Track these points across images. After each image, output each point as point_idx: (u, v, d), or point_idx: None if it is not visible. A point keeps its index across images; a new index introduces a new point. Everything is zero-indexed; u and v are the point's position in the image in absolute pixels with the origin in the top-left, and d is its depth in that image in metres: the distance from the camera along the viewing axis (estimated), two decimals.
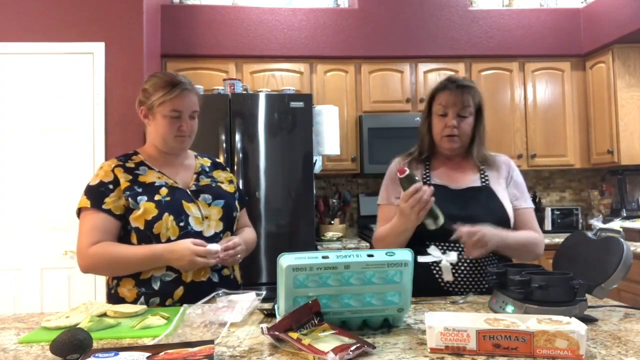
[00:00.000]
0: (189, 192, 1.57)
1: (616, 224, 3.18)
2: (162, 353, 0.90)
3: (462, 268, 1.54)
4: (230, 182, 1.71)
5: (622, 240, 1.22)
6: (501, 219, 1.56)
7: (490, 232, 1.44)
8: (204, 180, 1.64)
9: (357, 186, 3.98)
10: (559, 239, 3.23)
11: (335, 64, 3.66)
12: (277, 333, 1.00)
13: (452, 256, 1.51)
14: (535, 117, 3.75)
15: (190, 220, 1.52)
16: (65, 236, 2.89)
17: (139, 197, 1.49)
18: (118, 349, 0.93)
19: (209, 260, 1.43)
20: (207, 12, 3.58)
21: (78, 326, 1.11)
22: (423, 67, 3.73)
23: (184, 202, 1.53)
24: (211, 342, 0.96)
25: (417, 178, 1.43)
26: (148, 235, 1.48)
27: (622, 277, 1.18)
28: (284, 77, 3.60)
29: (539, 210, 3.68)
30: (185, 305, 1.26)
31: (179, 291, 1.48)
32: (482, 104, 1.65)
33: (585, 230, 2.65)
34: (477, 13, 3.75)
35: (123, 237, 1.52)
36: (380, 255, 1.10)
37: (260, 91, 3.23)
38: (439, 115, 1.62)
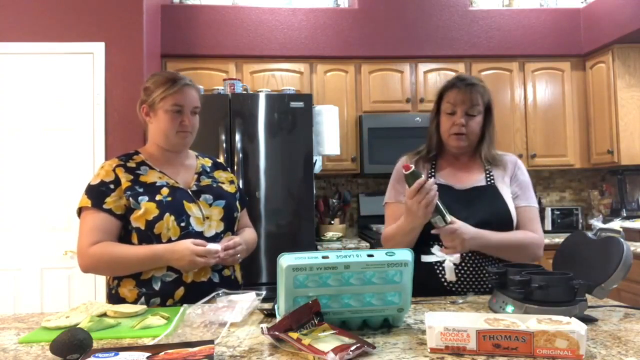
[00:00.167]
0: (190, 193, 1.57)
1: (616, 224, 3.18)
2: (162, 353, 0.90)
3: (465, 268, 1.54)
4: (231, 182, 1.71)
5: (622, 240, 1.22)
6: (504, 219, 1.55)
7: (468, 230, 1.43)
8: (205, 181, 1.64)
9: (357, 186, 3.98)
10: (559, 239, 3.23)
11: (335, 64, 3.66)
12: (277, 333, 1.00)
13: (456, 256, 1.51)
14: (535, 117, 3.75)
15: (191, 220, 1.52)
16: (65, 236, 2.89)
17: (140, 197, 1.49)
18: (118, 349, 0.93)
19: (209, 260, 1.43)
20: (207, 12, 3.58)
21: (78, 326, 1.11)
22: (423, 67, 3.73)
23: (185, 202, 1.53)
24: (211, 342, 0.96)
25: (422, 174, 1.42)
26: (149, 235, 1.48)
27: (622, 277, 1.18)
28: (284, 77, 3.60)
29: (539, 211, 3.68)
30: (185, 305, 1.26)
31: (180, 291, 1.48)
32: (491, 102, 1.64)
33: (585, 230, 2.65)
34: (477, 13, 3.75)
35: (124, 237, 1.52)
36: (380, 255, 1.10)
37: (260, 91, 3.23)
38: (447, 113, 1.61)
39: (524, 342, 0.92)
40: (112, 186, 1.51)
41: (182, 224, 1.50)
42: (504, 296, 1.23)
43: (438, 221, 1.42)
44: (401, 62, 3.71)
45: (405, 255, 1.11)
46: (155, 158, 1.61)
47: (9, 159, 2.95)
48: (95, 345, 1.02)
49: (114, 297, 1.52)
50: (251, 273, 2.94)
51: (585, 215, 3.98)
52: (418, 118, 3.55)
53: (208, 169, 1.70)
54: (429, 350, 0.96)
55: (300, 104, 3.09)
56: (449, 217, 1.42)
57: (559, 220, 3.77)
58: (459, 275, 1.54)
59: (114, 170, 1.54)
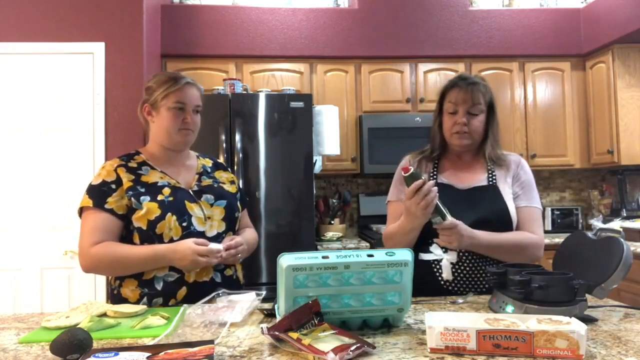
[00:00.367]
0: (192, 193, 1.58)
1: (616, 224, 3.18)
2: (162, 353, 0.90)
3: (462, 267, 1.55)
4: (232, 182, 1.72)
5: (622, 240, 1.22)
6: (503, 219, 1.56)
7: (464, 229, 1.44)
8: (206, 181, 1.64)
9: (357, 186, 3.98)
10: (559, 239, 3.23)
11: (335, 64, 3.66)
12: (277, 333, 1.00)
13: (453, 255, 1.52)
14: (535, 117, 3.75)
15: (193, 220, 1.52)
16: (65, 236, 2.89)
17: (141, 197, 1.49)
18: (118, 349, 0.93)
19: (211, 259, 1.43)
20: (207, 12, 3.58)
21: (78, 326, 1.11)
22: (423, 67, 3.73)
23: (186, 202, 1.53)
24: (211, 342, 0.96)
25: (422, 176, 1.42)
26: (151, 235, 1.48)
27: (622, 277, 1.18)
28: (284, 77, 3.60)
29: None
30: (185, 305, 1.26)
31: (182, 291, 1.48)
32: (493, 101, 1.63)
33: (585, 230, 2.65)
34: (477, 13, 3.75)
35: (125, 237, 1.52)
36: (380, 255, 1.10)
37: (260, 91, 3.23)
38: (449, 113, 1.62)
39: (524, 342, 0.92)
40: (113, 186, 1.51)
41: (184, 224, 1.50)
42: (504, 296, 1.23)
43: (438, 221, 1.43)
44: (401, 62, 3.71)
45: (405, 255, 1.11)
46: (156, 158, 1.61)
47: (9, 159, 2.95)
48: (95, 345, 1.02)
49: (115, 298, 1.52)
50: (251, 273, 2.94)
51: (585, 215, 3.98)
52: (418, 118, 3.55)
53: (209, 169, 1.70)
54: (429, 350, 0.96)
55: (300, 104, 3.09)
56: (449, 218, 1.42)
57: (559, 220, 3.77)
58: (456, 274, 1.55)
59: (115, 170, 1.54)
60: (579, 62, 3.80)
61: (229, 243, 1.49)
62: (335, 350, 0.90)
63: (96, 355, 0.90)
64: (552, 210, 3.78)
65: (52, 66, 2.99)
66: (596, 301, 1.34)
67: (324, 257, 1.07)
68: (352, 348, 0.93)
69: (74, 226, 2.74)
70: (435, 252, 1.54)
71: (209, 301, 1.28)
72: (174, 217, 1.49)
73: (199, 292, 1.43)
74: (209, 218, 1.56)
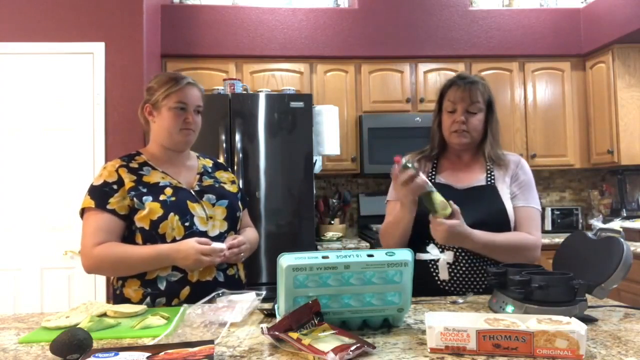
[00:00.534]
0: (193, 193, 1.58)
1: (616, 224, 3.18)
2: (162, 353, 0.90)
3: (459, 267, 1.55)
4: (233, 182, 1.72)
5: (622, 240, 1.22)
6: (500, 219, 1.56)
7: (459, 226, 1.42)
8: (207, 181, 1.65)
9: (357, 186, 3.98)
10: (559, 239, 3.23)
11: (335, 64, 3.66)
12: (277, 333, 1.00)
13: (449, 255, 1.53)
14: (535, 117, 3.75)
15: (195, 220, 1.53)
16: (65, 236, 2.89)
17: (144, 197, 1.49)
18: (118, 349, 0.93)
19: (214, 258, 1.44)
20: (207, 12, 3.58)
21: (78, 326, 1.11)
22: (423, 67, 3.73)
23: (188, 202, 1.54)
24: (211, 342, 0.96)
25: (415, 167, 1.41)
26: (153, 235, 1.49)
27: (622, 277, 1.18)
28: (284, 77, 3.60)
29: None
30: (185, 305, 1.26)
31: (185, 291, 1.48)
32: (492, 100, 1.64)
33: (585, 230, 2.65)
34: (477, 13, 3.75)
35: (128, 237, 1.53)
36: (380, 255, 1.10)
37: (260, 91, 3.23)
38: (448, 111, 1.62)
39: (524, 342, 0.92)
40: (115, 187, 1.51)
41: (187, 224, 1.51)
42: (504, 296, 1.23)
43: (432, 214, 1.41)
44: (401, 62, 3.71)
45: (405, 255, 1.11)
46: (157, 158, 1.62)
47: (9, 159, 2.95)
48: (95, 345, 1.02)
49: (118, 298, 1.52)
50: (251, 273, 2.94)
51: (585, 215, 3.98)
52: (418, 118, 3.55)
53: (209, 170, 1.70)
54: (429, 350, 0.96)
55: (300, 104, 3.09)
56: (449, 210, 1.40)
57: (559, 220, 3.77)
58: (452, 274, 1.55)
59: (116, 170, 1.54)
60: (579, 62, 3.81)
61: (231, 242, 1.50)
62: (335, 350, 0.90)
63: (96, 355, 0.90)
64: (552, 210, 3.78)
65: (52, 66, 2.99)
66: (596, 301, 1.34)
67: (324, 257, 1.07)
68: (352, 348, 0.93)
69: (74, 226, 2.75)
70: (431, 252, 1.55)
71: (209, 301, 1.28)
72: (177, 217, 1.49)
73: (202, 291, 1.43)
74: (210, 218, 1.56)
